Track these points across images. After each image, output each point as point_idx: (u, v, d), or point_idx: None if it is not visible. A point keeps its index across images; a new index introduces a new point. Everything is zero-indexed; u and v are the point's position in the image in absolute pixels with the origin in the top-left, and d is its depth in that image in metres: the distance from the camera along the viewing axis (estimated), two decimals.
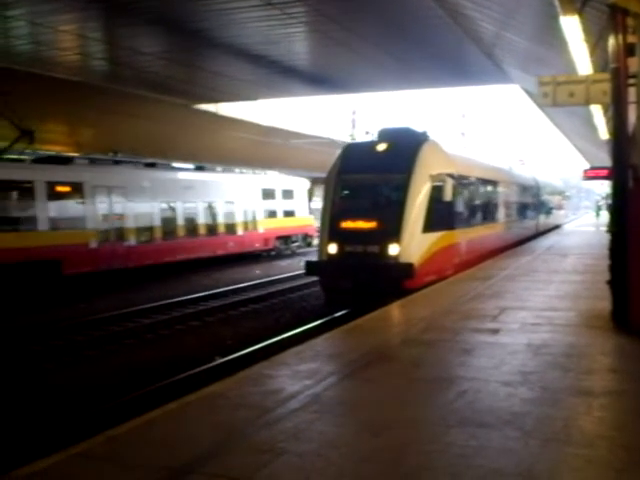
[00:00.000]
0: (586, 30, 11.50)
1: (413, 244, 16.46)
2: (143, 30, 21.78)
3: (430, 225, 16.95)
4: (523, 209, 31.30)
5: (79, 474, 5.17)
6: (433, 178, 17.21)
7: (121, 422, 6.50)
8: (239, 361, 12.37)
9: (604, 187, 57.75)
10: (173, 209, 29.31)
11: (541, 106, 30.92)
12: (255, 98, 35.77)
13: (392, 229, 16.45)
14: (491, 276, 17.02)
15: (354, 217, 17.18)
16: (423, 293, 14.61)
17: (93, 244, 24.82)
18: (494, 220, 24.59)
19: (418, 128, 19.18)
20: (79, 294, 22.70)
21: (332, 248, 16.99)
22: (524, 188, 31.51)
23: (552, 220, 42.48)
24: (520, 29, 18.65)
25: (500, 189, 25.61)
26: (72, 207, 24.39)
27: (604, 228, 33.63)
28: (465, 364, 8.25)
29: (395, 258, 16.26)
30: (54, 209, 23.54)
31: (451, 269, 18.07)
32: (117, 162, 28.70)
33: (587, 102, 12.22)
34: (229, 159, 39.48)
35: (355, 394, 7.10)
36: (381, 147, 17.99)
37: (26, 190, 22.65)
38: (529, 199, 33.16)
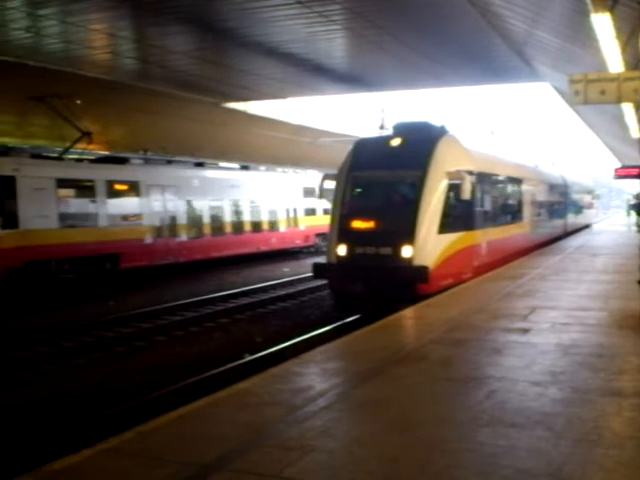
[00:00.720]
0: (617, 27, 11.39)
1: (428, 246, 15.20)
2: (173, 29, 21.89)
3: (447, 226, 15.78)
4: (550, 208, 29.98)
5: (110, 469, 5.22)
6: (450, 175, 15.84)
7: (151, 418, 6.56)
8: (268, 359, 12.40)
9: (636, 186, 57.11)
10: (220, 207, 30.55)
11: (572, 104, 30.67)
12: (284, 96, 35.81)
13: (405, 230, 15.20)
14: (521, 275, 16.92)
15: (365, 217, 15.91)
16: (452, 292, 14.53)
17: (148, 239, 26.23)
18: (518, 220, 23.20)
19: (437, 122, 18.25)
20: (110, 290, 22.89)
21: (341, 250, 15.76)
22: (551, 186, 30.12)
23: (581, 219, 41.52)
24: (551, 26, 18.51)
25: (524, 187, 24.15)
26: (129, 204, 25.77)
27: (635, 228, 33.30)
28: (495, 364, 8.22)
29: (408, 261, 15.00)
30: (113, 206, 24.89)
31: (470, 272, 16.84)
32: (169, 162, 29.96)
33: (619, 100, 12.11)
34: (258, 157, 39.60)
35: (383, 392, 7.09)
36: (395, 142, 16.68)
37: (88, 188, 24.02)
38: (556, 198, 31.75)
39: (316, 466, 5.12)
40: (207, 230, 29.65)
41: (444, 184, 15.85)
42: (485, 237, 18.09)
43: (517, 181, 23.31)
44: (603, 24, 11.01)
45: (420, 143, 16.46)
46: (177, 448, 5.57)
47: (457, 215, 16.48)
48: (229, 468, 5.11)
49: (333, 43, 24.49)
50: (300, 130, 40.62)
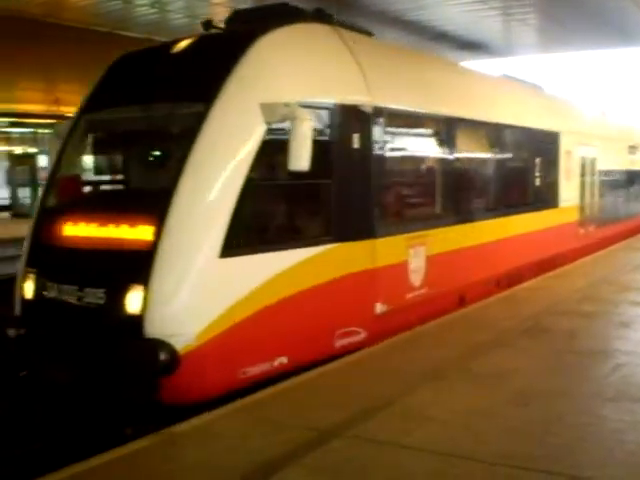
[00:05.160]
0: None
1: (187, 287, 6.52)
2: None
3: (259, 233, 7.45)
4: (627, 182, 19.85)
5: (234, 430, 5.39)
6: (270, 112, 7.02)
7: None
8: None
9: None
10: None
11: None
12: None
13: (140, 246, 6.71)
14: None
15: (76, 214, 7.57)
16: (581, 262, 13.87)
17: None
18: (544, 203, 13.83)
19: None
20: None
21: (28, 288, 7.52)
22: (631, 148, 20.20)
23: None
24: None
25: (567, 146, 14.69)
26: None
27: None
28: (623, 337, 7.98)
29: (138, 323, 6.37)
30: None
31: (364, 329, 8.10)
32: None
33: None
34: None
35: (507, 364, 6.96)
36: (178, 50, 8.25)
37: None
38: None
39: (433, 436, 5.09)
40: None
41: (256, 133, 7.07)
42: (421, 247, 9.27)
43: (544, 136, 14.01)
44: None
45: (221, 47, 7.99)
46: (297, 414, 5.67)
47: (306, 207, 8.11)
48: (348, 434, 5.16)
49: (454, 9, 24.10)
50: None
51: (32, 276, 7.48)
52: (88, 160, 9.02)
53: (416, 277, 9.13)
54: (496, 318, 9.12)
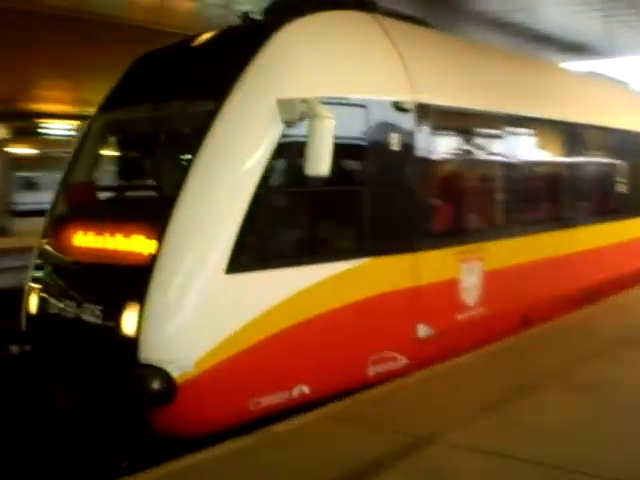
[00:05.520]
0: None
1: (187, 307, 5.87)
2: None
3: (275, 246, 6.57)
4: None
5: (330, 433, 5.40)
6: (288, 109, 6.25)
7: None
8: None
9: None
10: None
11: None
12: None
13: (137, 260, 6.23)
14: None
15: (82, 223, 7.07)
16: None
17: None
18: (617, 214, 12.32)
19: None
20: None
21: (33, 302, 7.08)
22: None
23: None
24: None
25: None
26: None
27: None
28: None
29: (133, 346, 5.79)
30: None
31: (405, 354, 7.21)
32: None
33: None
34: None
35: (608, 375, 6.80)
36: (198, 44, 7.65)
37: None
38: None
39: (533, 446, 4.99)
40: None
41: (271, 133, 6.33)
42: (477, 262, 8.35)
43: (631, 137, 12.90)
44: None
45: (242, 40, 7.36)
46: (396, 418, 5.65)
47: (332, 217, 7.06)
48: (444, 440, 5.12)
49: (554, 10, 23.67)
50: None
51: (36, 289, 7.05)
52: (97, 165, 8.13)
53: (469, 295, 8.15)
54: (599, 326, 8.90)
